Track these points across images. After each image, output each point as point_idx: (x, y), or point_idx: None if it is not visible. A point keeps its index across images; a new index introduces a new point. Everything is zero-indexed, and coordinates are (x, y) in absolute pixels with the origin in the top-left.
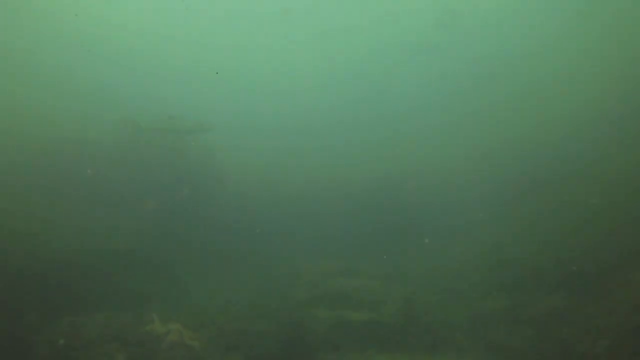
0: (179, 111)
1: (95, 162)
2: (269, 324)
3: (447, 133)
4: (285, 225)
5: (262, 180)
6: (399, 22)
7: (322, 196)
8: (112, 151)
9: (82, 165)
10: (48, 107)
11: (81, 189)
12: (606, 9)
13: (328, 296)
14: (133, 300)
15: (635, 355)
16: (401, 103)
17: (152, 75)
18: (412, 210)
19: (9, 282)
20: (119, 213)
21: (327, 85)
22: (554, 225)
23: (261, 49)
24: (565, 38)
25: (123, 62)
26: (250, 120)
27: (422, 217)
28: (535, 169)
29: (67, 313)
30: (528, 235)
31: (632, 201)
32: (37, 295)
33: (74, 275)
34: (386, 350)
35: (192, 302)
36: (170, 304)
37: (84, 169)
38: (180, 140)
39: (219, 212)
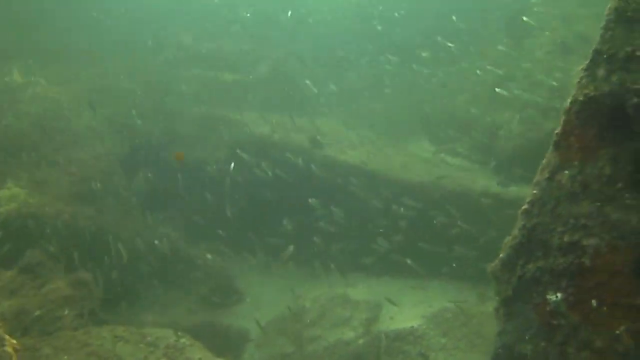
0: None
1: None
2: (137, 83)
3: None
4: None
5: None
6: None
7: None
8: None
9: None
10: None
11: None
12: None
13: (198, 57)
14: None
15: None
16: None
17: None
18: None
19: None
20: None
21: None
22: None
23: None
24: None
25: None
26: None
27: None
28: None
29: None
30: None
31: None
32: None
33: None
34: (255, 109)
35: (55, 61)
36: (32, 62)
37: None
38: None
39: None
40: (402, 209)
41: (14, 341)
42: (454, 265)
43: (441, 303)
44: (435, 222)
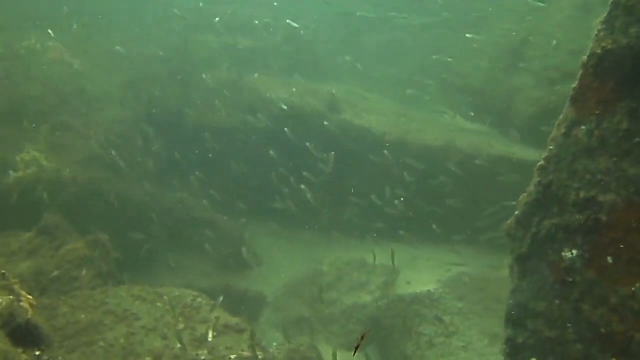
0: None
1: None
2: (153, 48)
3: None
4: None
5: None
6: None
7: None
8: None
9: None
10: None
11: None
12: None
13: (213, 23)
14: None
15: None
16: None
17: None
18: None
19: None
20: None
21: None
22: None
23: None
24: None
25: None
26: None
27: None
28: None
29: None
30: None
31: None
32: None
33: None
34: (271, 74)
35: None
36: (50, 28)
37: None
38: None
39: None
40: (417, 173)
41: (30, 297)
42: (469, 231)
43: (457, 268)
44: (447, 187)
